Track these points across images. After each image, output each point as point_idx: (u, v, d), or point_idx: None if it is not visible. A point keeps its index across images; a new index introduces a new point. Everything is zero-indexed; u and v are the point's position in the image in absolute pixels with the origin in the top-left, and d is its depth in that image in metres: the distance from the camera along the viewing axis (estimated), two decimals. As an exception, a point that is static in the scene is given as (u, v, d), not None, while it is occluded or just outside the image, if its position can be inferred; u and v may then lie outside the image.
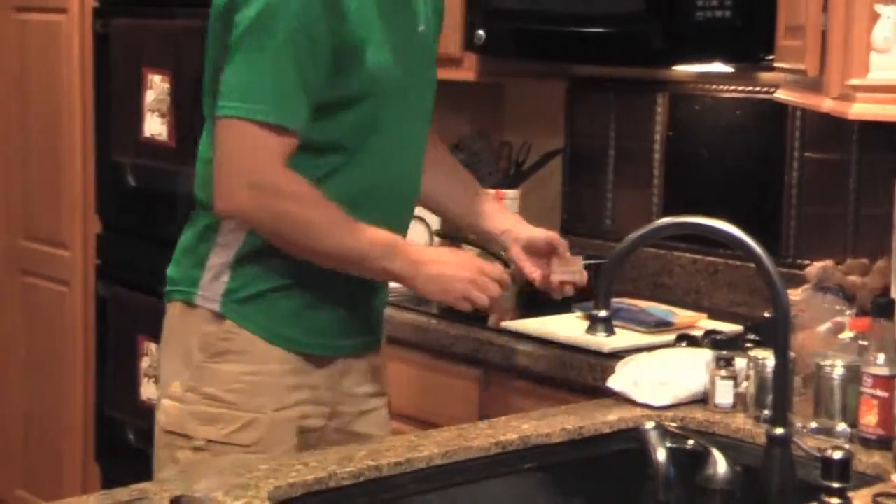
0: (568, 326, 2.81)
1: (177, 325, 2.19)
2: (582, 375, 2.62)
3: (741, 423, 2.14)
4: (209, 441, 2.09)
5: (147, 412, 3.46)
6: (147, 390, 3.47)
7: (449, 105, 3.58)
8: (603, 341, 2.49)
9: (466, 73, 3.34)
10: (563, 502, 2.11)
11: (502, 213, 2.48)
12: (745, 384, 2.21)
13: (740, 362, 2.23)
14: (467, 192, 2.47)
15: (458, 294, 2.13)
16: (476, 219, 2.45)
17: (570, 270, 2.35)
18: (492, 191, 2.40)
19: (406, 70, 2.15)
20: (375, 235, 2.09)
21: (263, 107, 1.98)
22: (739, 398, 2.21)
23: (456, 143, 3.53)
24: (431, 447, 1.96)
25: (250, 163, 2.00)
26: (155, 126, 3.41)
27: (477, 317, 3.02)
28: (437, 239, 3.53)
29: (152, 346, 3.44)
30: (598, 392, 2.41)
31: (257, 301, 2.13)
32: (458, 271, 2.13)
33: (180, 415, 2.11)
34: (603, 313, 1.91)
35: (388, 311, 3.04)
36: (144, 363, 3.48)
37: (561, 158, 3.55)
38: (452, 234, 3.48)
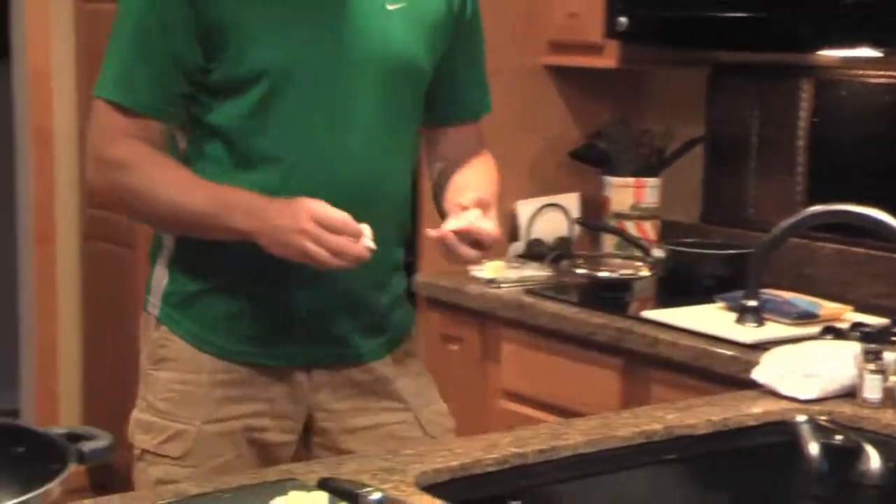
0: (709, 317, 2.78)
1: (141, 333, 2.18)
2: (724, 366, 2.59)
3: (891, 418, 2.10)
4: (143, 451, 2.07)
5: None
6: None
7: (589, 92, 3.58)
8: (745, 332, 2.46)
9: (608, 60, 3.32)
10: (706, 494, 2.09)
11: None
12: (893, 378, 2.16)
13: (889, 356, 2.18)
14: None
15: (296, 249, 1.90)
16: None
17: (462, 218, 1.99)
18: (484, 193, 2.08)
19: (318, 54, 2.01)
20: (216, 192, 1.96)
21: (108, 86, 2.00)
22: (888, 393, 2.16)
23: (596, 131, 3.51)
24: (576, 435, 1.95)
25: (97, 139, 2.02)
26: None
27: (618, 305, 3.02)
28: (577, 227, 3.52)
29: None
30: (740, 383, 2.38)
31: (188, 305, 2.07)
32: (293, 221, 1.89)
33: (131, 422, 2.11)
34: (753, 303, 1.89)
35: (529, 300, 3.07)
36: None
37: (702, 146, 3.50)
38: (593, 223, 3.47)
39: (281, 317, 2.06)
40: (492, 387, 3.19)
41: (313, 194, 1.93)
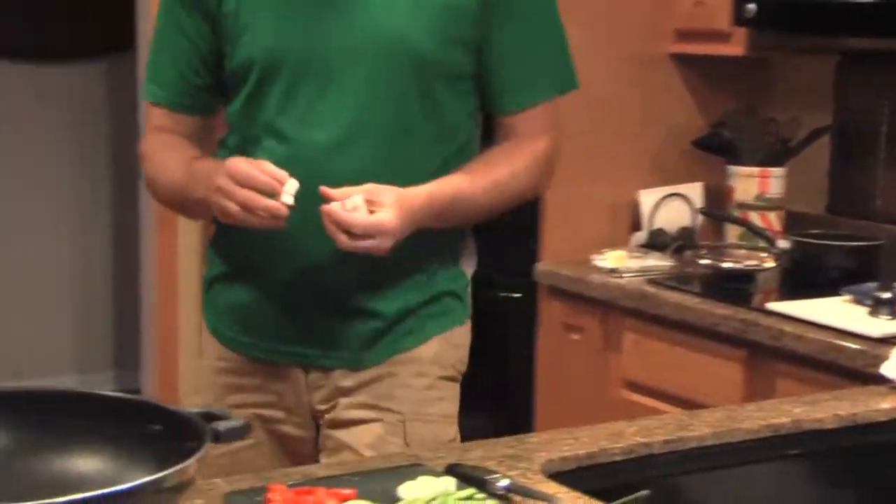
0: (835, 309, 2.73)
1: None
2: (851, 360, 2.54)
3: None
4: None
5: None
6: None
7: (715, 80, 3.53)
8: (874, 326, 2.41)
9: (735, 47, 3.28)
10: (833, 490, 2.05)
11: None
12: None
13: None
14: None
15: (217, 208, 1.86)
16: None
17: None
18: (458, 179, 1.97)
19: (305, 43, 1.92)
20: (190, 166, 1.96)
21: (146, 86, 2.10)
22: None
23: (721, 120, 3.47)
24: (702, 427, 1.92)
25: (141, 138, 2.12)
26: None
27: (742, 296, 2.98)
28: (700, 217, 3.48)
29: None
30: (867, 378, 2.33)
31: (208, 290, 2.11)
32: (213, 180, 1.85)
33: None
34: (887, 295, 1.85)
35: (651, 289, 3.04)
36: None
37: (829, 135, 3.44)
38: (717, 213, 3.42)
39: (276, 313, 2.02)
40: (612, 377, 3.17)
41: (302, 191, 1.83)
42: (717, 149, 3.46)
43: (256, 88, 1.95)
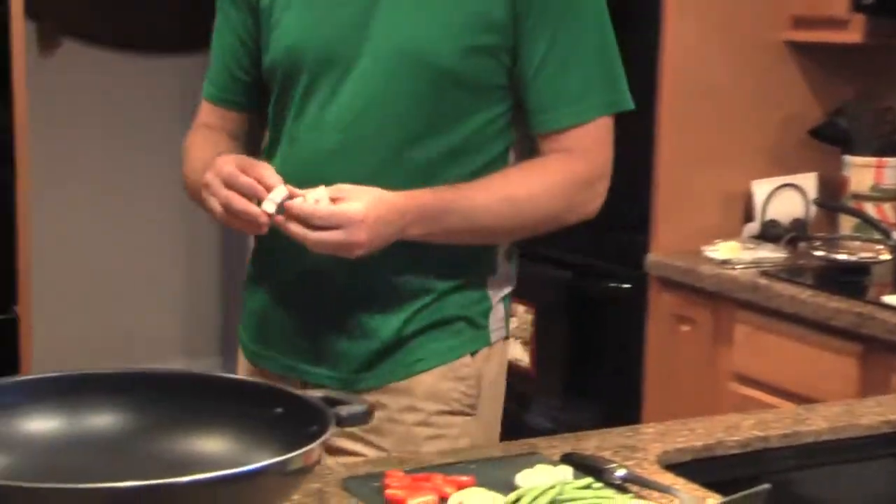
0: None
1: None
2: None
3: None
4: None
5: (512, 372, 3.51)
6: (514, 351, 3.52)
7: (831, 68, 3.47)
8: None
9: (852, 35, 3.22)
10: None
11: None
12: None
13: None
14: None
15: (204, 206, 1.77)
16: None
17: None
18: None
19: (319, 43, 1.83)
20: (208, 164, 1.80)
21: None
22: None
23: (837, 109, 3.41)
24: (819, 421, 1.89)
25: None
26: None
27: (857, 289, 2.93)
28: (814, 208, 3.43)
29: (520, 308, 3.49)
30: None
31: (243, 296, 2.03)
32: (204, 175, 1.76)
33: None
34: None
35: (763, 281, 3.00)
36: (512, 324, 3.51)
37: (949, 126, 3.37)
38: (831, 204, 3.37)
39: (282, 322, 1.91)
40: (723, 369, 3.14)
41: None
42: (833, 138, 3.41)
43: (282, 90, 1.89)
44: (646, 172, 3.24)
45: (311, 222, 1.66)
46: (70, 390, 1.31)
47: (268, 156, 1.90)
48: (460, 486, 1.47)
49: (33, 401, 1.29)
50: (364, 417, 1.23)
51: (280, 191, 1.66)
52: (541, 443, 1.74)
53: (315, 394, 1.25)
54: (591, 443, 1.74)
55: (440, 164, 1.82)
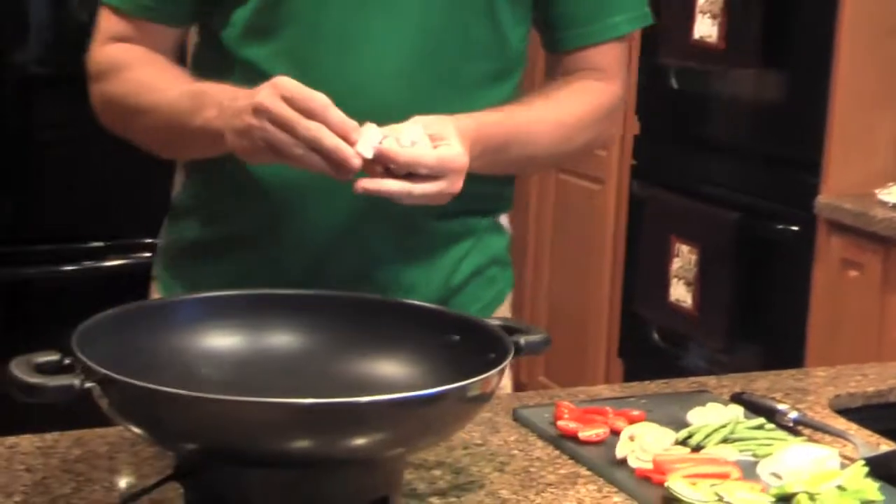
0: None
1: None
2: None
3: None
4: None
5: (674, 313, 3.51)
6: (676, 291, 3.50)
7: None
8: None
9: None
10: None
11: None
12: None
13: None
14: None
15: (251, 135, 1.36)
16: None
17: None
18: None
19: None
20: (192, 85, 1.51)
21: None
22: None
23: None
24: None
25: (90, 52, 1.62)
26: (705, 28, 3.39)
27: None
28: None
29: (684, 248, 3.46)
30: None
31: (179, 259, 1.70)
32: (250, 98, 1.36)
33: None
34: None
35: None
36: (675, 264, 3.51)
37: None
38: None
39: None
40: (891, 317, 3.06)
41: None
42: None
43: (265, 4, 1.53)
44: (820, 111, 3.16)
45: (415, 171, 1.35)
46: (250, 309, 1.34)
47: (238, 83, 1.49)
48: (632, 421, 1.47)
49: (214, 317, 1.32)
50: (542, 346, 1.24)
51: (375, 132, 1.35)
52: (710, 381, 1.72)
53: (494, 321, 1.25)
54: (761, 384, 1.73)
55: (486, 85, 1.60)
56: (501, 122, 1.53)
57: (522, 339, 1.23)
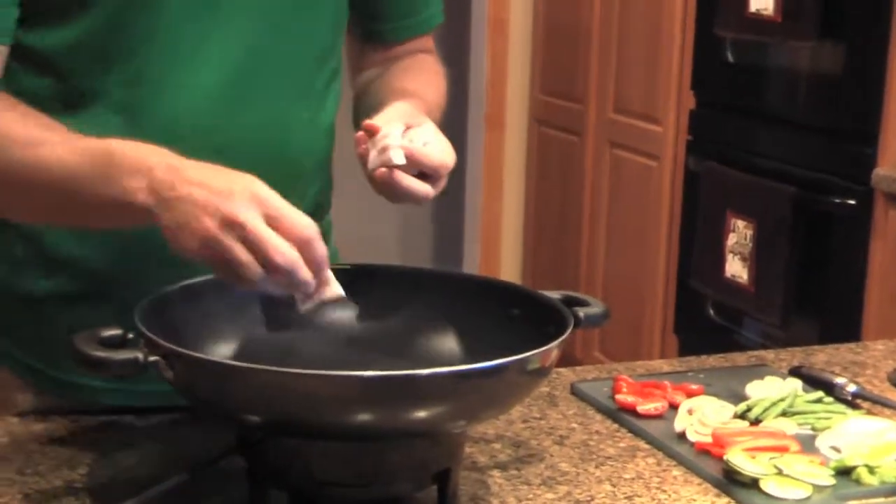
0: None
1: None
2: None
3: None
4: None
5: (730, 288, 3.50)
6: (731, 267, 3.48)
7: None
8: None
9: None
10: None
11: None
12: None
13: None
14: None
15: (193, 240, 1.15)
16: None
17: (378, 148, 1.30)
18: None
19: None
20: (83, 142, 1.26)
21: None
22: None
23: None
24: None
25: None
26: (761, 0, 3.37)
27: None
28: None
29: (740, 223, 3.44)
30: None
31: (27, 311, 1.46)
32: (203, 194, 1.15)
33: None
34: None
35: None
36: (731, 239, 3.49)
37: None
38: None
39: None
40: (951, 291, 3.04)
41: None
42: None
43: (115, 10, 1.33)
44: (878, 83, 3.13)
45: (439, 173, 1.31)
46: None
47: (64, 106, 1.35)
48: (690, 395, 1.47)
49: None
50: (602, 318, 1.24)
51: (397, 134, 1.29)
52: (768, 355, 1.72)
53: (553, 294, 1.25)
54: (820, 357, 1.72)
55: (322, 92, 1.51)
56: (427, 112, 1.42)
57: (582, 312, 1.23)
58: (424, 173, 1.30)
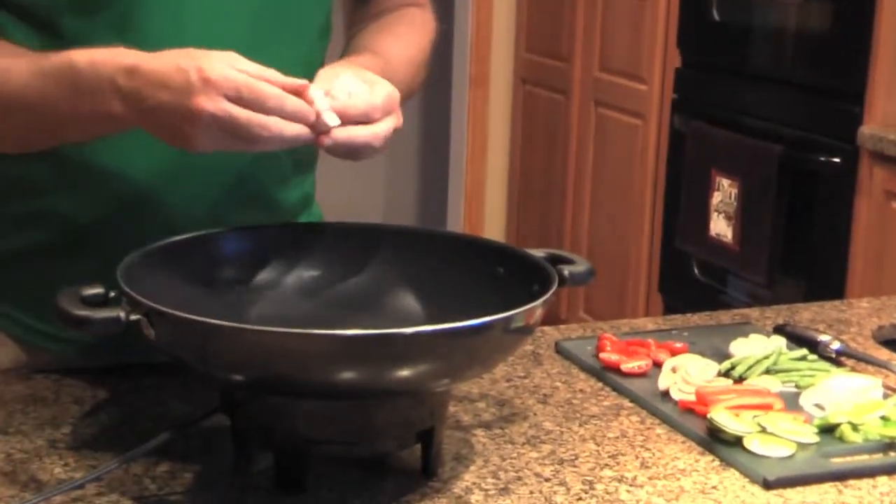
0: None
1: None
2: None
3: None
4: None
5: (715, 247, 3.50)
6: (716, 226, 3.48)
7: None
8: None
9: None
10: None
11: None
12: None
13: None
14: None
15: (190, 125, 1.16)
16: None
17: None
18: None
19: None
20: (41, 61, 1.24)
21: None
22: None
23: None
24: None
25: None
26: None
27: None
28: None
29: (724, 181, 3.44)
30: None
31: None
32: (177, 77, 1.15)
33: None
34: None
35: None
36: (716, 198, 3.49)
37: None
38: None
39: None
40: (935, 249, 3.05)
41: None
42: None
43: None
44: (864, 41, 3.12)
45: (370, 118, 1.24)
46: (294, 241, 1.33)
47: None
48: (674, 353, 1.47)
49: (259, 250, 1.31)
50: (587, 276, 1.23)
51: (320, 94, 1.22)
52: (753, 313, 1.72)
53: (537, 252, 1.25)
54: (804, 315, 1.72)
55: (320, 36, 1.50)
56: (382, 66, 1.36)
57: (567, 270, 1.23)
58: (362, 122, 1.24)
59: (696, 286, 3.76)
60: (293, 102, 1.17)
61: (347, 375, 1.07)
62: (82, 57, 1.20)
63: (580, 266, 1.24)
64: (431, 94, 5.35)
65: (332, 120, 1.21)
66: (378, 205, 5.57)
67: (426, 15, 1.60)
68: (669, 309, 3.95)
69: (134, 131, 1.23)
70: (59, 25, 1.31)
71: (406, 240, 1.33)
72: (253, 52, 1.23)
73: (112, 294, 1.12)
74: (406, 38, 1.51)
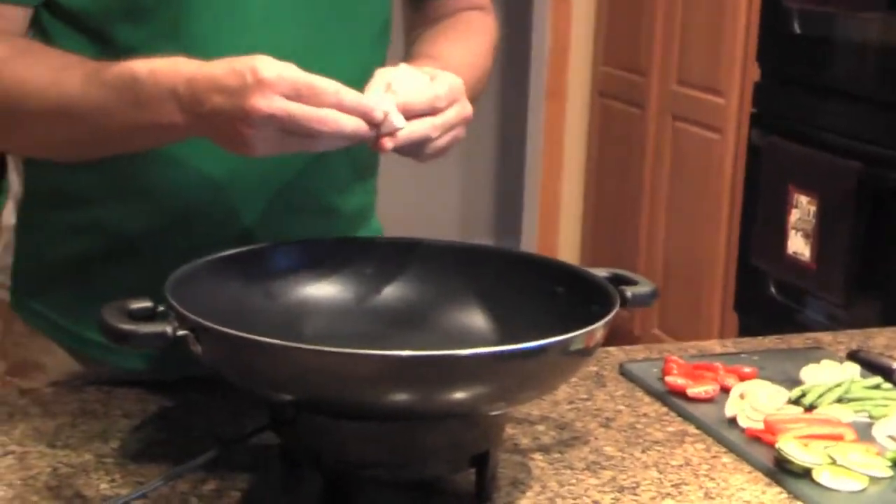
0: None
1: None
2: None
3: None
4: None
5: (792, 265, 3.42)
6: (794, 243, 3.41)
7: None
8: None
9: None
10: None
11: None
12: None
13: None
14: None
15: (240, 146, 1.16)
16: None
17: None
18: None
19: None
20: (101, 72, 1.22)
21: None
22: None
23: None
24: None
25: None
26: (829, -30, 3.29)
27: None
28: None
29: (803, 198, 3.37)
30: None
31: (76, 275, 1.42)
32: (222, 100, 1.14)
33: None
34: None
35: None
36: (794, 215, 3.42)
37: None
38: None
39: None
40: None
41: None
42: None
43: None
44: None
45: (434, 108, 1.20)
46: (348, 257, 1.31)
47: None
48: (742, 378, 1.42)
49: (311, 265, 1.29)
50: (650, 298, 1.19)
51: (384, 96, 1.18)
52: (825, 338, 1.67)
53: (601, 272, 1.21)
54: (879, 340, 1.66)
55: (378, 40, 1.47)
56: (441, 69, 1.29)
57: (629, 291, 1.19)
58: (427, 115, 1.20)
59: (773, 305, 3.68)
60: (351, 97, 1.14)
61: (398, 398, 1.04)
62: (143, 68, 1.19)
63: (644, 287, 1.20)
64: (507, 106, 5.31)
65: (399, 121, 1.17)
66: (453, 220, 5.54)
67: (487, 19, 1.56)
68: (744, 327, 3.87)
69: (184, 142, 1.22)
70: (110, 33, 1.30)
71: (461, 257, 1.30)
72: (310, 56, 1.22)
73: (160, 308, 1.09)
74: (465, 43, 1.47)
